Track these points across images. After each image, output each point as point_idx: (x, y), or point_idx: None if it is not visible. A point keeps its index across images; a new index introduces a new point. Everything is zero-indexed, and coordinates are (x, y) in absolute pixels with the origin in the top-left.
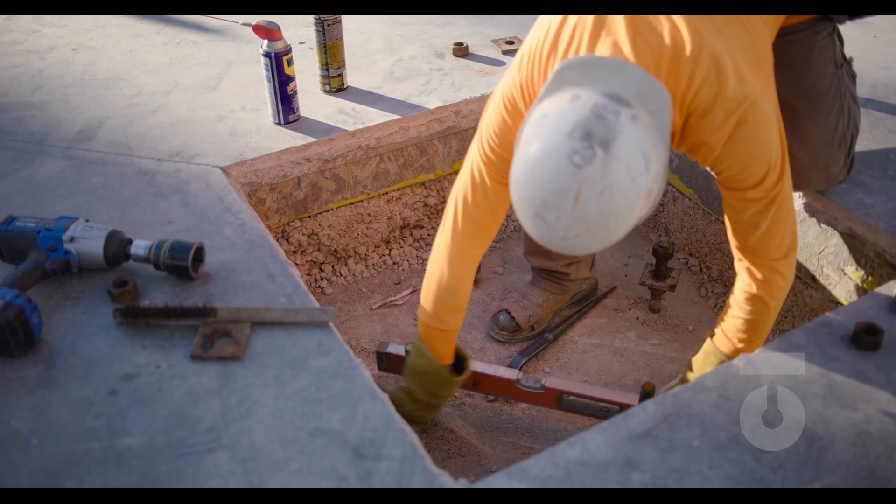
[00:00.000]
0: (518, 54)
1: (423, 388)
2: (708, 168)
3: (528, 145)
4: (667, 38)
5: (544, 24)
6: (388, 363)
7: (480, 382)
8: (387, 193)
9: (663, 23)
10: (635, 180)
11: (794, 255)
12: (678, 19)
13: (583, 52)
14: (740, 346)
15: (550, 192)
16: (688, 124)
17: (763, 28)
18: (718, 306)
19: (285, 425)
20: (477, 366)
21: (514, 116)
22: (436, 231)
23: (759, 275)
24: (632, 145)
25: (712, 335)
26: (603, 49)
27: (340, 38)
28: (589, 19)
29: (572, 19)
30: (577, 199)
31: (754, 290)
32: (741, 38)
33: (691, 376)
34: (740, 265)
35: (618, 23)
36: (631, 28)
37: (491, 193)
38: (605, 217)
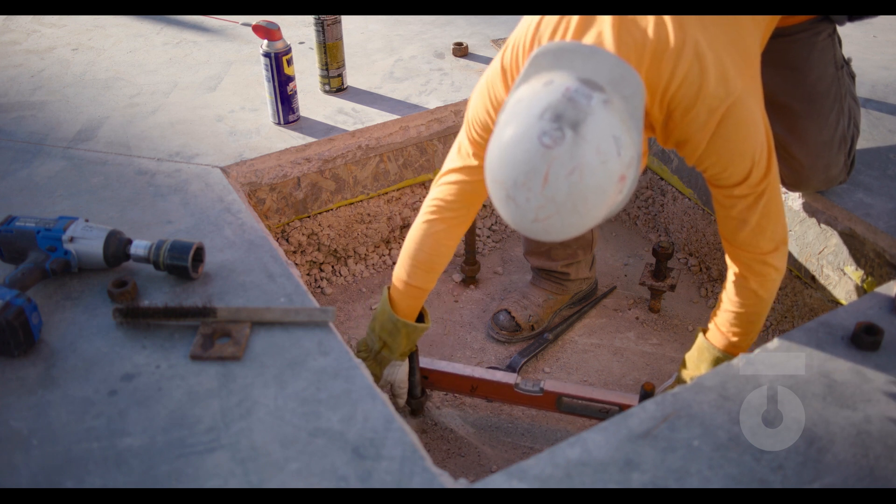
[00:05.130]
0: (506, 42)
1: (373, 333)
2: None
3: (502, 130)
4: (650, 31)
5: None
6: None
7: (478, 387)
8: (387, 193)
9: (649, 17)
10: (606, 163)
11: (786, 247)
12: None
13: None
14: (734, 339)
15: (520, 172)
16: (671, 121)
17: (751, 25)
18: None
19: (285, 425)
20: (474, 371)
21: (497, 101)
22: None
23: (751, 268)
24: (603, 128)
25: (705, 331)
26: (588, 41)
27: (340, 38)
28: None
29: None
30: (545, 179)
31: (747, 283)
32: (728, 35)
33: (685, 374)
34: (732, 260)
35: (604, 16)
36: (616, 21)
37: (477, 171)
38: (575, 199)
